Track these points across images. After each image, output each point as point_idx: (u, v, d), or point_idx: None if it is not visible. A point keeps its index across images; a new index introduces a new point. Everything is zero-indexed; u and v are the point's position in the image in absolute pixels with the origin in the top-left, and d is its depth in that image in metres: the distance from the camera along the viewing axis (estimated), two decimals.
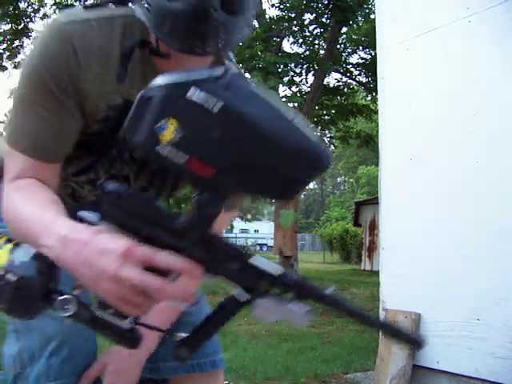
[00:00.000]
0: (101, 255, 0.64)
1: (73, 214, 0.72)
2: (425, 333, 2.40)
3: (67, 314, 0.67)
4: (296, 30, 10.24)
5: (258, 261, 0.68)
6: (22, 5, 10.40)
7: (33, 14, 10.67)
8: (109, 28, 0.87)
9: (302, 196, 42.70)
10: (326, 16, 9.50)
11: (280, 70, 9.46)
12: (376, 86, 3.16)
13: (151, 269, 0.64)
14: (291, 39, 10.45)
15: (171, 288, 0.64)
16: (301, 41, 10.40)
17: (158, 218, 0.67)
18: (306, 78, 10.82)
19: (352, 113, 10.98)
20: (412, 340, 0.81)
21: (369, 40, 9.67)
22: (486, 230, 2.21)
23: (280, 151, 0.63)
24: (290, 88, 10.80)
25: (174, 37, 0.81)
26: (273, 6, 11.82)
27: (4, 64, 10.91)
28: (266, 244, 28.57)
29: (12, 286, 0.65)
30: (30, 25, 10.78)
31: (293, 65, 9.96)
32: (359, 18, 10.29)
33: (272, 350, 3.95)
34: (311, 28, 10.19)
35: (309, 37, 10.39)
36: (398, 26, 2.72)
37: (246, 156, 0.63)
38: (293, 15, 9.72)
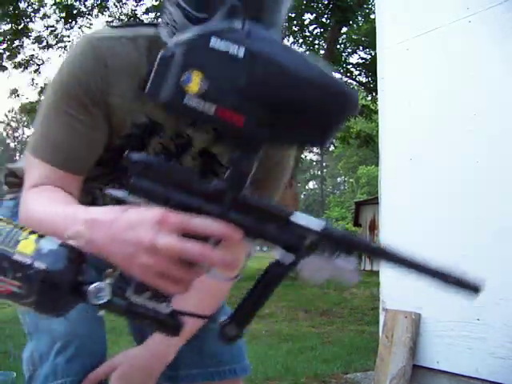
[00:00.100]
0: (133, 227, 0.61)
1: None
2: (425, 333, 2.40)
3: (101, 302, 0.63)
4: (296, 30, 10.25)
5: (299, 218, 0.64)
6: (22, 5, 10.42)
7: (33, 14, 10.68)
8: (138, 46, 0.90)
9: (302, 196, 42.72)
10: (325, 16, 9.52)
11: None
12: (376, 86, 3.16)
13: (188, 237, 0.60)
14: (291, 39, 10.47)
15: (214, 253, 0.60)
16: (301, 41, 10.41)
17: (189, 184, 0.63)
18: None
19: None
20: (472, 286, 0.70)
21: (369, 40, 9.69)
22: (486, 230, 2.21)
23: (309, 90, 0.61)
24: None
25: None
26: None
27: (4, 64, 10.92)
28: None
29: (41, 275, 0.61)
30: (30, 25, 10.79)
31: None
32: (359, 18, 10.32)
33: (272, 350, 3.95)
34: (311, 28, 10.22)
35: (309, 37, 10.41)
36: (398, 25, 2.72)
37: (274, 98, 0.61)
38: (293, 15, 9.73)
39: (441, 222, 2.40)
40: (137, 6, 10.88)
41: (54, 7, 10.22)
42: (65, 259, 0.63)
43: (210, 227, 0.61)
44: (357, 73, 11.23)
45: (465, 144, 2.34)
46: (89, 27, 10.90)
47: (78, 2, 10.45)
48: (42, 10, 10.68)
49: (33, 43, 10.98)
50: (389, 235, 2.68)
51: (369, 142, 11.33)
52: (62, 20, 10.59)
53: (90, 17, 10.78)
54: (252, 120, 0.61)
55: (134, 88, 0.88)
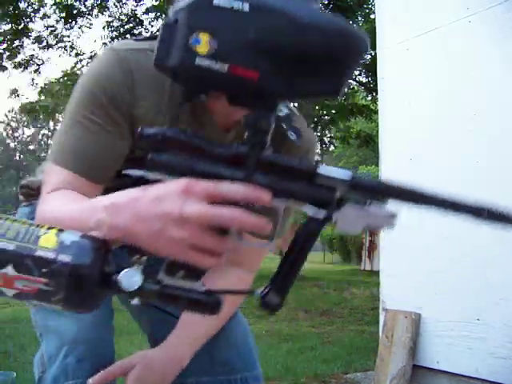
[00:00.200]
0: (158, 202, 0.58)
1: None
2: (425, 333, 2.40)
3: (133, 289, 0.59)
4: None
5: (326, 170, 0.61)
6: (22, 5, 10.40)
7: (33, 14, 10.67)
8: None
9: None
10: None
11: None
12: (376, 86, 3.16)
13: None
14: None
15: (246, 216, 0.57)
16: None
17: (209, 151, 0.61)
18: None
19: (352, 113, 10.98)
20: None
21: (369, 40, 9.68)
22: (485, 230, 2.20)
23: (318, 36, 0.60)
24: None
25: None
26: None
27: (4, 64, 10.91)
28: None
29: (68, 268, 0.58)
30: (30, 25, 10.79)
31: None
32: (359, 18, 10.31)
33: (272, 350, 3.95)
34: None
35: None
36: (398, 26, 2.72)
37: (285, 48, 0.61)
38: None
39: (441, 221, 2.40)
40: (137, 6, 10.88)
41: (54, 7, 10.21)
42: (89, 250, 0.60)
43: (237, 191, 0.58)
44: (357, 73, 11.23)
45: (465, 144, 2.34)
46: (89, 27, 10.90)
47: (77, 2, 10.45)
48: (42, 10, 10.67)
49: (33, 43, 10.97)
50: (389, 235, 2.67)
51: (369, 142, 11.31)
52: (62, 20, 10.58)
53: (89, 17, 10.76)
54: (265, 74, 0.60)
55: (159, 102, 0.87)
